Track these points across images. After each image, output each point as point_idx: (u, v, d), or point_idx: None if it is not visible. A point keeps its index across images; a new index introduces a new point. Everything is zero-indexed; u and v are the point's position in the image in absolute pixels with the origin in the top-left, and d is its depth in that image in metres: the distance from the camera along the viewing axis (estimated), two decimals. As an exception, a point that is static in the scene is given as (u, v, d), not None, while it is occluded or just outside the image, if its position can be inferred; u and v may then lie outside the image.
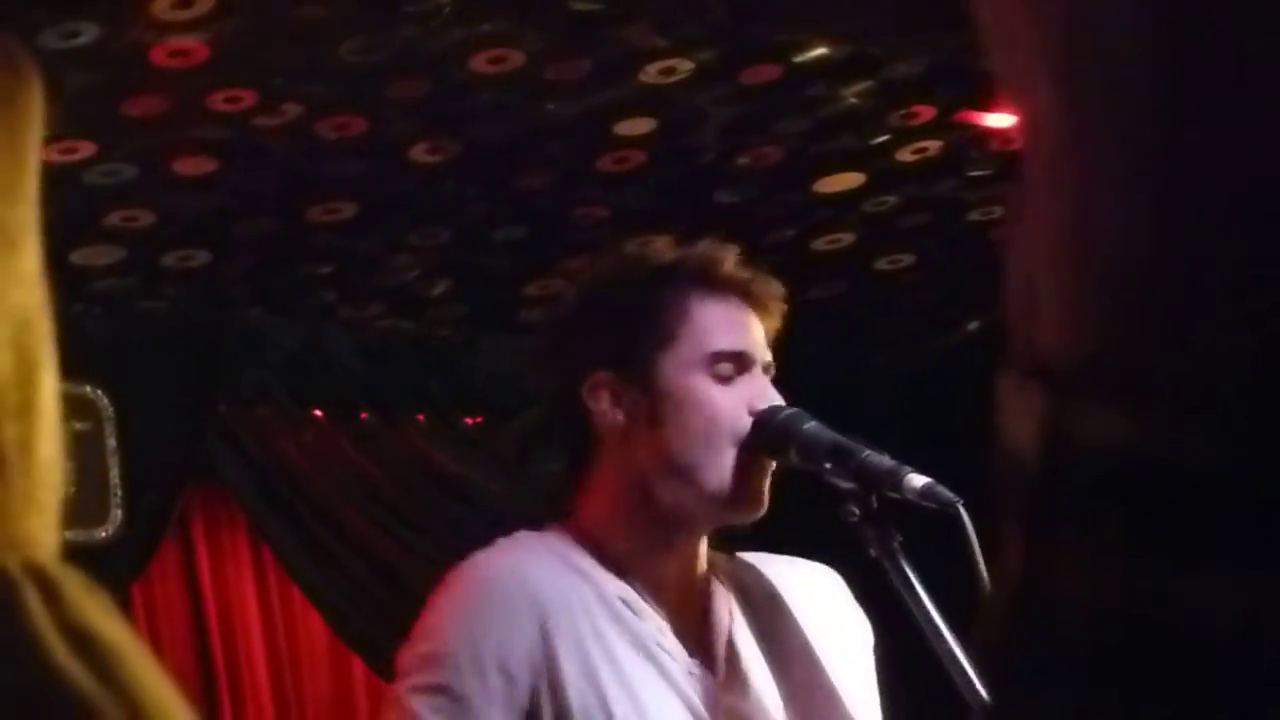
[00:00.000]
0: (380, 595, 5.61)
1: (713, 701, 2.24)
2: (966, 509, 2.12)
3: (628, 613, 2.24)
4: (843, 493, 2.24)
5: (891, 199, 5.68)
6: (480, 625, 2.18)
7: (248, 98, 4.50)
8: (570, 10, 4.31)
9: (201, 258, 5.36)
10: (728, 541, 2.39)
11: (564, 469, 2.37)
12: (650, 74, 4.67)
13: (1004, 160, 5.32)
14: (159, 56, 4.23)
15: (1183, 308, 0.72)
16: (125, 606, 5.28)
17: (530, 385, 5.72)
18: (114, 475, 5.46)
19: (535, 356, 2.47)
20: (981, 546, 2.07)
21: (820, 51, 4.69)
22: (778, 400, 2.29)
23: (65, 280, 5.11)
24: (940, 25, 4.46)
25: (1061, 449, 0.74)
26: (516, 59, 4.49)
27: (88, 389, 5.40)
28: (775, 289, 2.34)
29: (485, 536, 2.32)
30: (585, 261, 2.48)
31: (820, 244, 5.89)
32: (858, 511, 2.22)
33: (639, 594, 2.26)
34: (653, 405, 2.26)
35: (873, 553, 2.22)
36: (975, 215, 5.82)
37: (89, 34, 4.06)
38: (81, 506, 5.33)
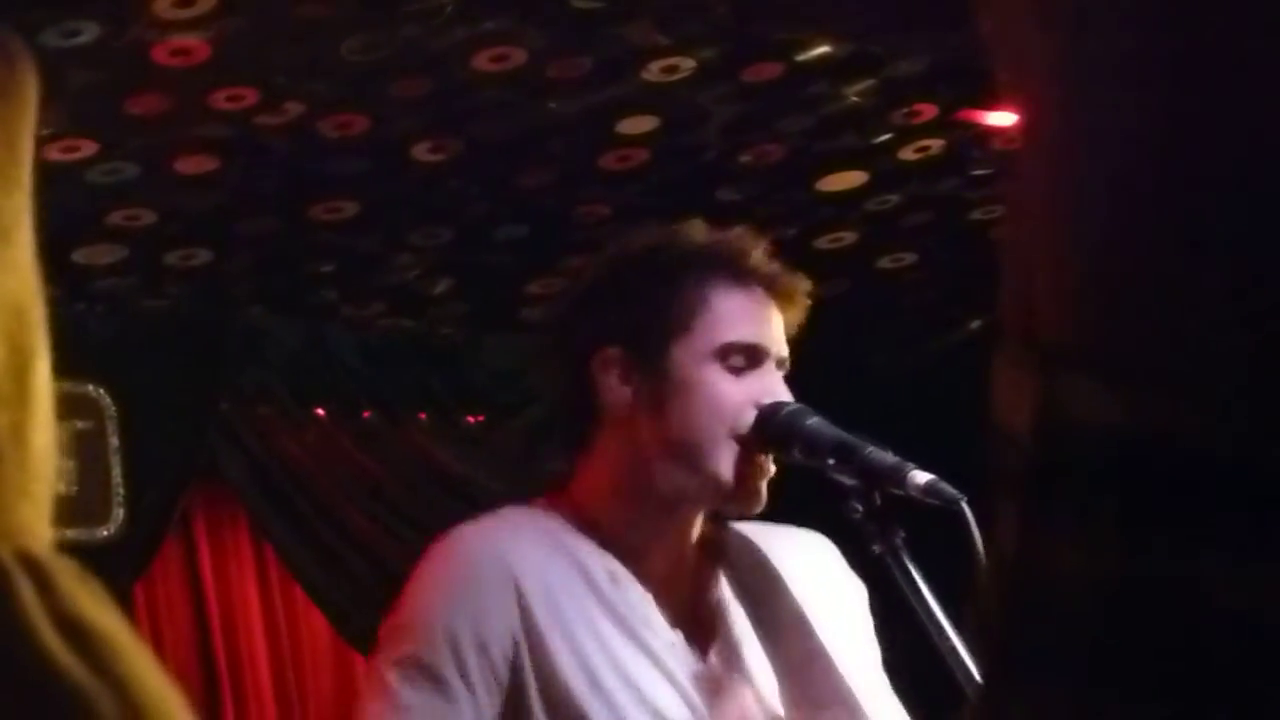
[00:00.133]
0: (382, 594, 5.58)
1: (699, 676, 2.24)
2: (969, 506, 2.12)
3: (611, 586, 2.24)
4: (846, 489, 2.23)
5: (893, 197, 5.68)
6: (456, 601, 2.18)
7: (249, 96, 4.50)
8: (572, 8, 4.31)
9: (203, 256, 5.36)
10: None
11: (564, 440, 2.37)
12: (652, 72, 4.67)
13: (1006, 159, 5.31)
14: (160, 55, 4.23)
15: (1177, 288, 0.72)
16: (127, 606, 5.29)
17: (532, 383, 5.72)
18: (116, 474, 5.46)
19: (550, 328, 2.47)
20: (984, 543, 2.07)
21: (822, 50, 4.69)
22: (785, 396, 2.29)
23: (67, 279, 5.12)
24: (942, 23, 4.46)
25: (1056, 427, 0.75)
26: (518, 57, 4.49)
27: (90, 388, 5.40)
28: (801, 283, 2.33)
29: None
30: (601, 249, 2.46)
31: (822, 242, 5.89)
32: (860, 508, 2.22)
33: (625, 568, 2.26)
34: (660, 388, 2.26)
35: (876, 549, 2.22)
36: (977, 214, 5.82)
37: (90, 33, 4.06)
38: (84, 505, 5.33)
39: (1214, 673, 0.71)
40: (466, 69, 4.51)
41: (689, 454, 2.24)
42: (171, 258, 5.34)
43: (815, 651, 2.29)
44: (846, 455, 2.23)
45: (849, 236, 5.92)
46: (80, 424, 5.37)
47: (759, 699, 2.26)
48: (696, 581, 2.31)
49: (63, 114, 4.38)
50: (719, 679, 2.25)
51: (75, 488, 5.33)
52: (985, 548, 1.89)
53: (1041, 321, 0.77)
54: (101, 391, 5.44)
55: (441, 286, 5.84)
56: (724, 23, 4.50)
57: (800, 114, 5.03)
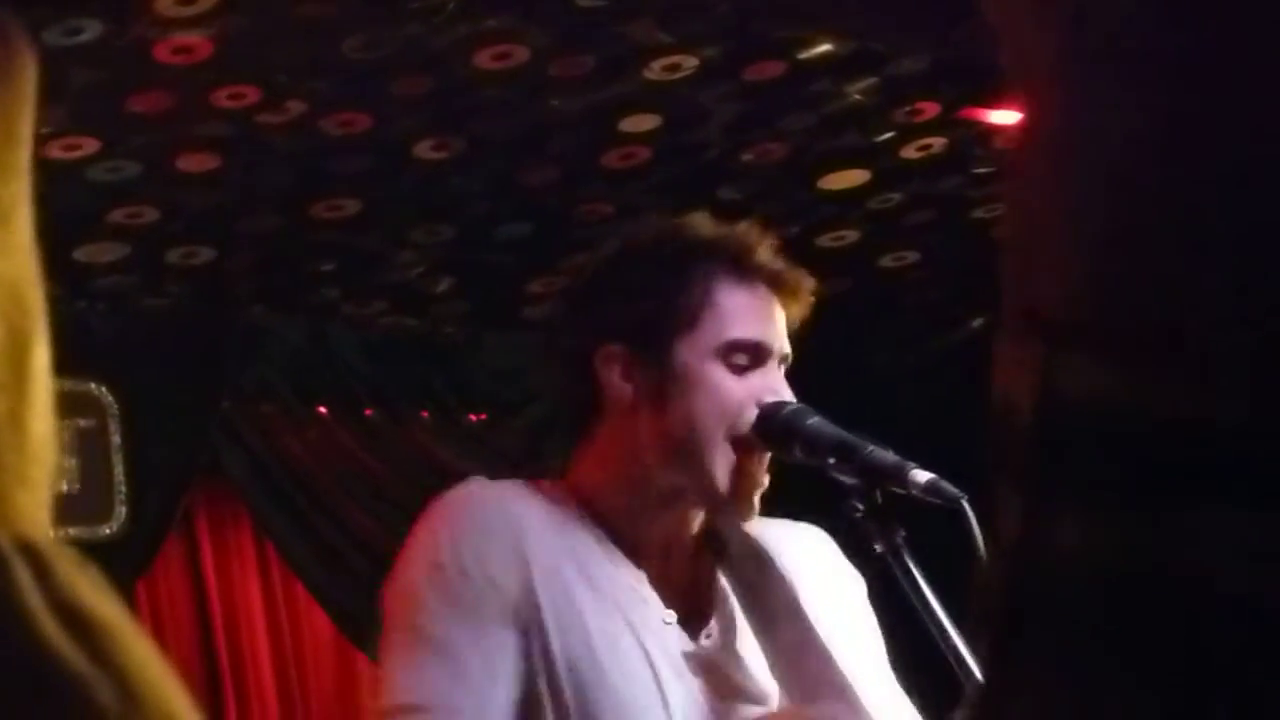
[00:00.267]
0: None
1: (691, 655, 2.24)
2: (971, 504, 2.11)
3: (609, 563, 2.24)
4: (846, 488, 2.23)
5: (896, 196, 5.69)
6: (467, 543, 2.18)
7: (251, 94, 4.50)
8: (574, 6, 4.31)
9: (205, 255, 5.36)
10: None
11: (565, 430, 2.36)
12: (654, 70, 4.67)
13: (1007, 155, 5.31)
14: (163, 53, 4.23)
15: (1177, 288, 0.72)
16: (130, 604, 5.28)
17: (534, 382, 5.72)
18: (118, 472, 5.47)
19: (553, 320, 2.46)
20: (986, 541, 2.07)
21: (824, 48, 4.69)
22: (787, 394, 2.28)
23: (69, 277, 5.12)
24: (944, 22, 4.46)
25: (1057, 401, 0.74)
26: (520, 55, 4.49)
27: (92, 386, 5.41)
28: (806, 279, 2.33)
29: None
30: (609, 239, 2.45)
31: (824, 241, 5.89)
32: (861, 507, 2.22)
33: (621, 551, 2.26)
34: (663, 385, 2.26)
35: (877, 548, 2.22)
36: (980, 212, 5.82)
37: (92, 31, 4.07)
38: (86, 503, 5.34)
39: (1214, 661, 0.71)
40: (468, 67, 4.51)
41: (686, 453, 2.24)
42: (173, 256, 5.34)
43: (810, 641, 2.28)
44: (847, 454, 2.23)
45: (851, 235, 5.92)
46: (82, 422, 5.37)
47: (753, 681, 2.26)
48: (693, 566, 2.31)
49: (64, 112, 4.38)
50: (713, 659, 2.25)
51: (77, 486, 5.33)
52: (986, 541, 1.89)
53: (1039, 289, 0.77)
54: (104, 390, 5.44)
55: (443, 285, 5.84)
56: (726, 21, 4.50)
57: (802, 112, 5.03)
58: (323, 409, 5.91)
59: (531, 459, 5.90)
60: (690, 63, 4.66)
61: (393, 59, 4.43)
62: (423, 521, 2.25)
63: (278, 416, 5.82)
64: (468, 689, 2.14)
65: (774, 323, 2.29)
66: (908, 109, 5.11)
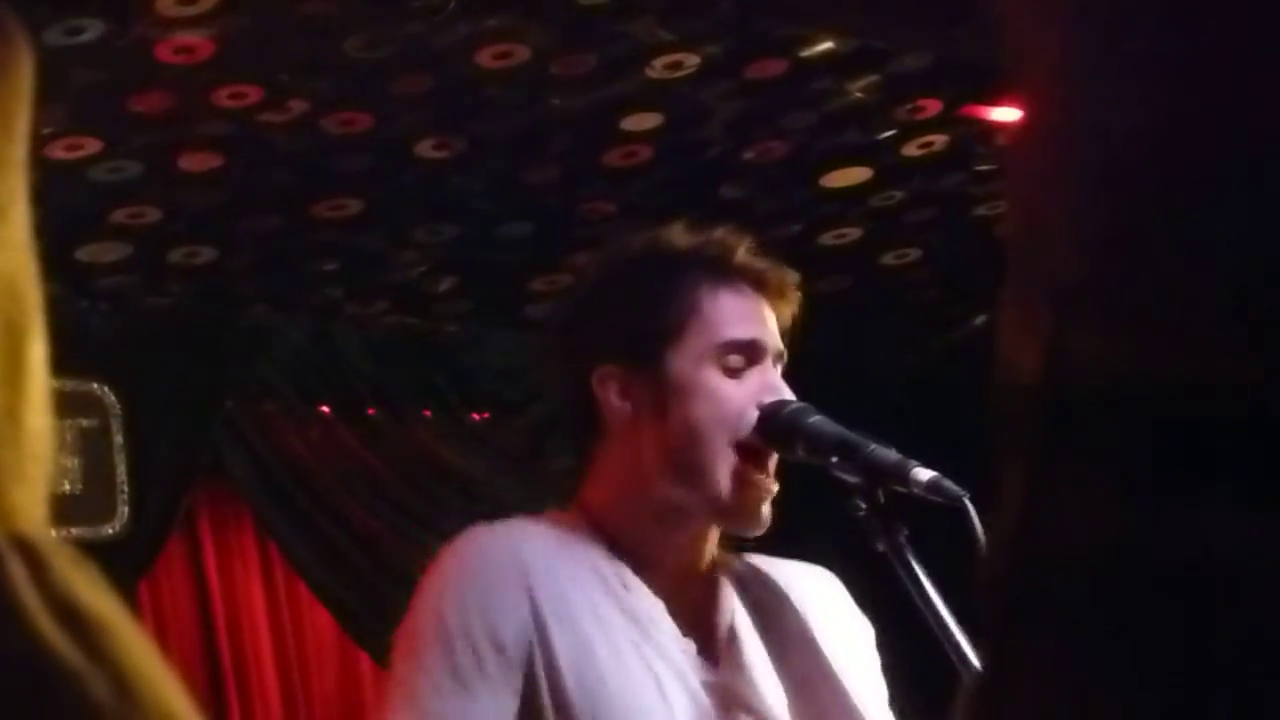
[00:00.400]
0: (387, 591, 5.61)
1: (709, 683, 2.23)
2: (972, 502, 2.11)
3: (623, 591, 2.24)
4: (849, 486, 2.23)
5: (898, 194, 5.68)
6: (471, 597, 2.17)
7: (253, 94, 4.50)
8: (575, 5, 4.31)
9: (207, 254, 5.36)
10: (733, 541, 2.38)
11: (574, 457, 2.37)
12: (656, 69, 4.67)
13: (1007, 152, 5.31)
14: (164, 53, 4.23)
15: (1177, 289, 0.72)
16: (132, 604, 5.28)
17: (536, 380, 5.72)
18: (121, 472, 5.46)
19: (546, 348, 2.46)
20: (986, 529, 2.07)
21: (826, 46, 4.69)
22: (786, 393, 2.28)
23: (71, 277, 5.13)
24: (945, 19, 4.46)
25: (1063, 369, 0.74)
26: (522, 54, 4.49)
27: (94, 386, 5.41)
28: (789, 277, 2.33)
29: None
30: (592, 256, 2.46)
31: (826, 239, 5.89)
32: (864, 505, 2.22)
33: (637, 576, 2.26)
34: (660, 397, 2.26)
35: (879, 546, 2.22)
36: (982, 210, 5.82)
37: (94, 30, 4.07)
38: (88, 503, 5.34)
39: (1215, 660, 0.70)
40: (470, 66, 4.51)
41: (689, 464, 2.24)
42: (175, 255, 5.34)
43: (823, 672, 2.29)
44: (849, 453, 2.23)
45: (853, 233, 5.92)
46: (85, 422, 5.37)
47: (768, 710, 2.26)
48: (708, 595, 2.31)
49: (66, 112, 4.38)
50: (730, 688, 2.25)
51: (80, 486, 5.34)
52: (987, 529, 1.89)
53: (1046, 257, 0.77)
54: (106, 389, 5.44)
55: (445, 284, 5.84)
56: (727, 19, 4.50)
57: (804, 110, 5.03)
58: (325, 408, 5.91)
59: (534, 457, 5.90)
60: (692, 61, 4.66)
61: (394, 58, 4.43)
62: (430, 573, 2.25)
63: (280, 416, 5.82)
64: None
65: (763, 322, 2.29)
66: (909, 106, 5.11)
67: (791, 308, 2.33)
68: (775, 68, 4.75)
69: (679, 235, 2.33)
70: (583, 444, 2.33)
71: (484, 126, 4.86)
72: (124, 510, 5.44)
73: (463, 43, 4.41)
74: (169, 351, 5.61)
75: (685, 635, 2.26)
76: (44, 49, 3.87)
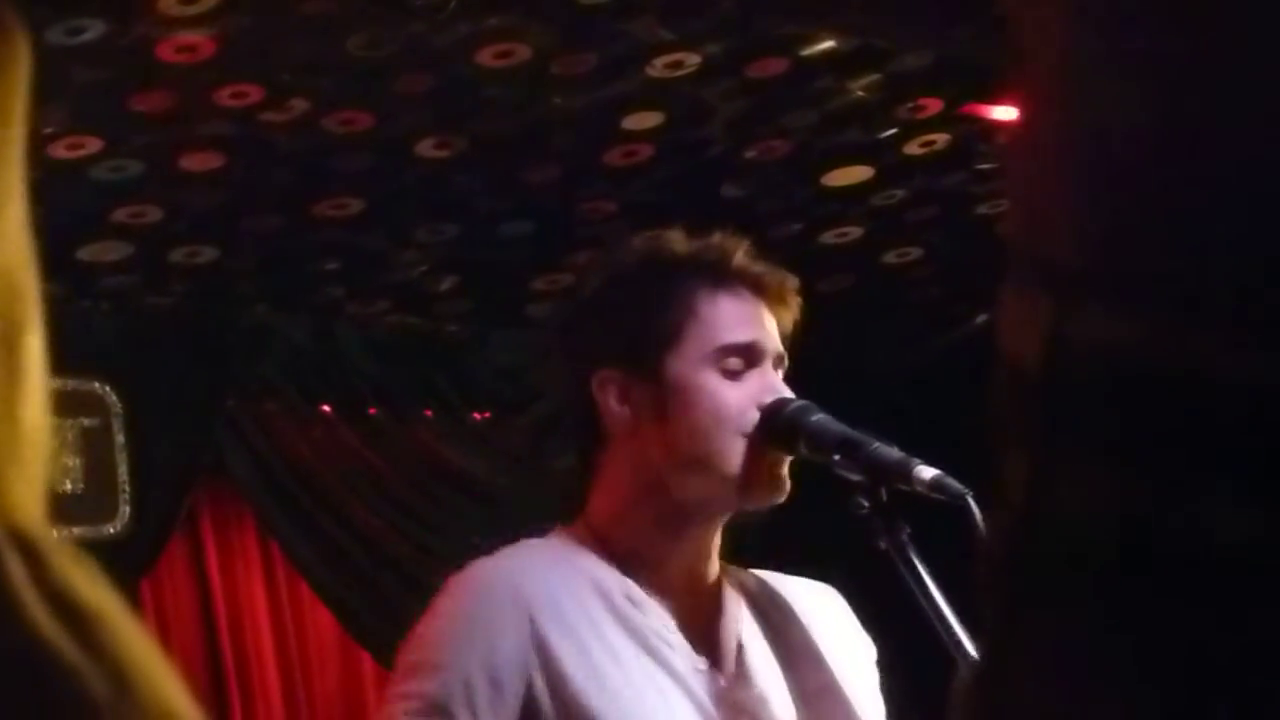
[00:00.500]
0: (388, 591, 5.61)
1: (719, 697, 2.23)
2: (975, 501, 2.11)
3: (630, 608, 2.23)
4: (851, 484, 2.23)
5: (899, 192, 5.68)
6: (467, 633, 2.17)
7: (254, 93, 4.51)
8: (576, 4, 4.31)
9: (209, 254, 5.37)
10: (736, 554, 2.38)
11: (577, 466, 2.36)
12: (657, 68, 4.67)
13: (1006, 150, 5.31)
14: (166, 52, 4.24)
15: (1186, 209, 0.72)
16: (134, 603, 5.28)
17: (537, 380, 5.72)
18: (122, 472, 5.47)
19: (545, 354, 2.47)
20: (988, 519, 2.06)
21: (827, 45, 4.69)
22: (786, 393, 2.28)
23: (72, 277, 5.13)
24: (947, 18, 4.46)
25: (1064, 352, 0.74)
26: (523, 53, 4.49)
27: (96, 385, 5.41)
28: (788, 280, 2.32)
29: (493, 532, 2.31)
30: (593, 256, 2.46)
31: (828, 238, 5.89)
32: (866, 503, 2.22)
33: (644, 590, 2.26)
34: (661, 401, 2.26)
35: (881, 544, 2.22)
36: (983, 209, 5.82)
37: (95, 30, 4.07)
38: (90, 503, 5.34)
39: (1216, 660, 0.70)
40: (471, 65, 4.51)
41: (700, 457, 2.24)
42: (177, 255, 5.34)
43: (830, 684, 2.29)
44: (852, 451, 2.23)
45: (854, 232, 5.92)
46: (86, 421, 5.37)
47: None
48: (716, 607, 2.31)
49: (67, 111, 4.39)
50: (738, 700, 2.25)
51: (81, 485, 5.34)
52: (988, 518, 1.89)
53: (1047, 240, 0.76)
54: (107, 389, 5.44)
55: (447, 283, 5.84)
56: (729, 18, 4.50)
57: (805, 109, 5.03)
58: (327, 408, 5.91)
59: (535, 457, 5.90)
60: (693, 60, 4.66)
61: (395, 57, 4.43)
62: (435, 606, 2.25)
63: (282, 415, 5.82)
64: None
65: (761, 324, 2.29)
66: (911, 105, 5.11)
67: (791, 312, 2.33)
68: (776, 66, 4.75)
69: (677, 240, 2.33)
70: (584, 450, 2.33)
71: (485, 126, 4.86)
72: (125, 510, 5.45)
73: (463, 42, 4.41)
74: (170, 351, 5.61)
75: (694, 648, 2.26)
76: (45, 49, 3.87)
